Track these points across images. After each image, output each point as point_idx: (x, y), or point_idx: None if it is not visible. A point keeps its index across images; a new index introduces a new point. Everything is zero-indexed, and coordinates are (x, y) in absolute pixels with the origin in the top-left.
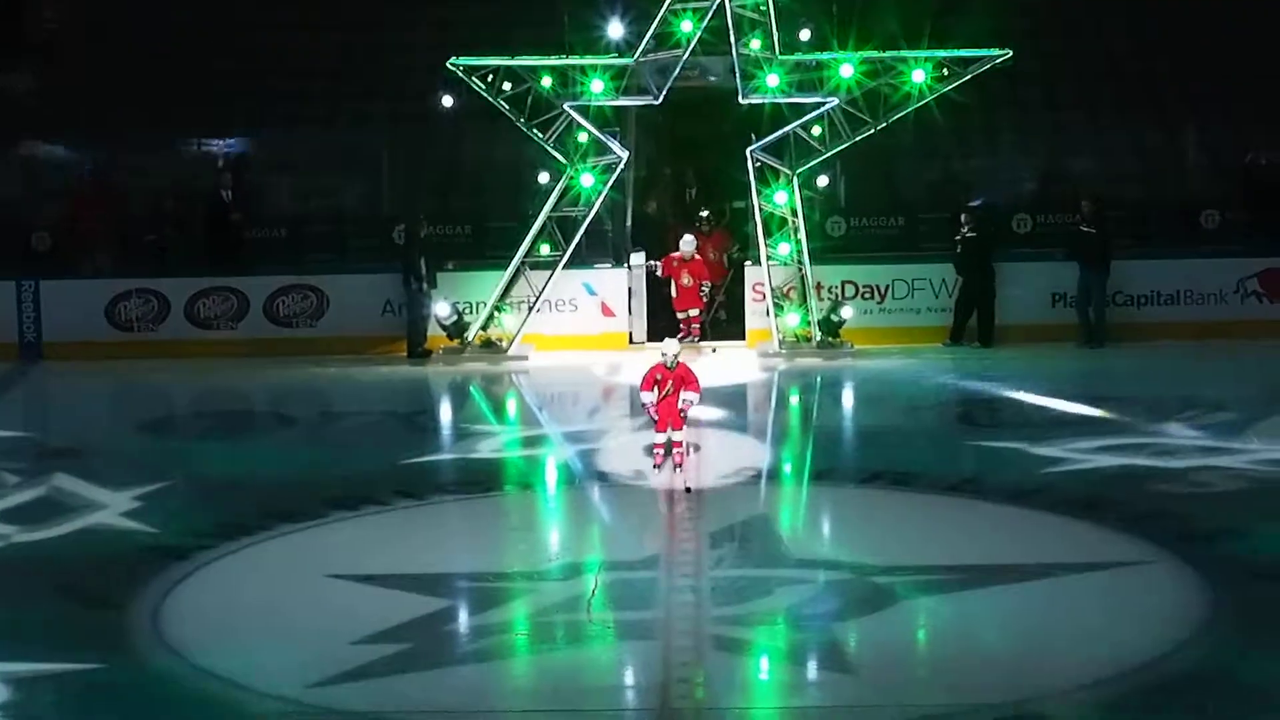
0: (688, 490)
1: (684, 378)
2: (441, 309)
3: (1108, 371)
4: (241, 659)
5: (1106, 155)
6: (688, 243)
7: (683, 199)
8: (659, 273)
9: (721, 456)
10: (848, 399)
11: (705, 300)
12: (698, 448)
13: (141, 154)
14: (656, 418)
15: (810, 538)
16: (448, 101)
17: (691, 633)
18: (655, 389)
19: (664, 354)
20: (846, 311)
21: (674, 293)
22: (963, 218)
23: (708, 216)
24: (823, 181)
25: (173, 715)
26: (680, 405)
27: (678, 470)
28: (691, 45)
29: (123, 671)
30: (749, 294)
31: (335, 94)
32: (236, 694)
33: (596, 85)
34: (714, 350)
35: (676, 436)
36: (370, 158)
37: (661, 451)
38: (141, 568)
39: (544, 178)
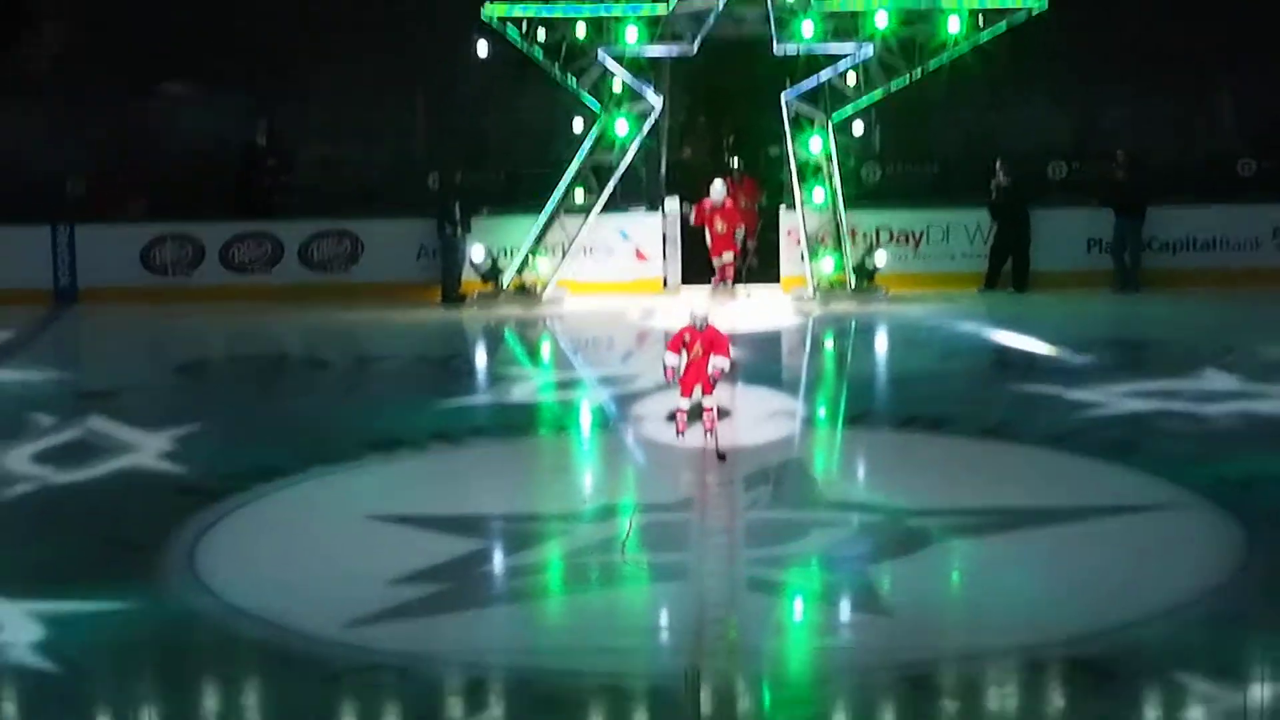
0: (721, 458)
1: (714, 340)
2: (477, 253)
3: (1142, 317)
4: (277, 599)
5: (1142, 104)
6: (717, 189)
7: (719, 147)
8: (692, 220)
9: (756, 401)
10: (882, 344)
11: (739, 246)
12: (727, 412)
13: (175, 102)
14: (674, 382)
15: (844, 481)
16: (483, 49)
17: (725, 574)
18: (683, 351)
19: (693, 314)
20: (880, 258)
21: (708, 240)
22: (997, 164)
23: (738, 165)
24: (858, 129)
25: (208, 655)
26: (710, 371)
27: (709, 435)
28: None
29: (158, 612)
30: (783, 239)
31: (368, 41)
32: (272, 634)
33: (631, 33)
34: (748, 295)
35: (706, 401)
36: (404, 103)
37: (685, 417)
38: (176, 509)
39: (579, 125)
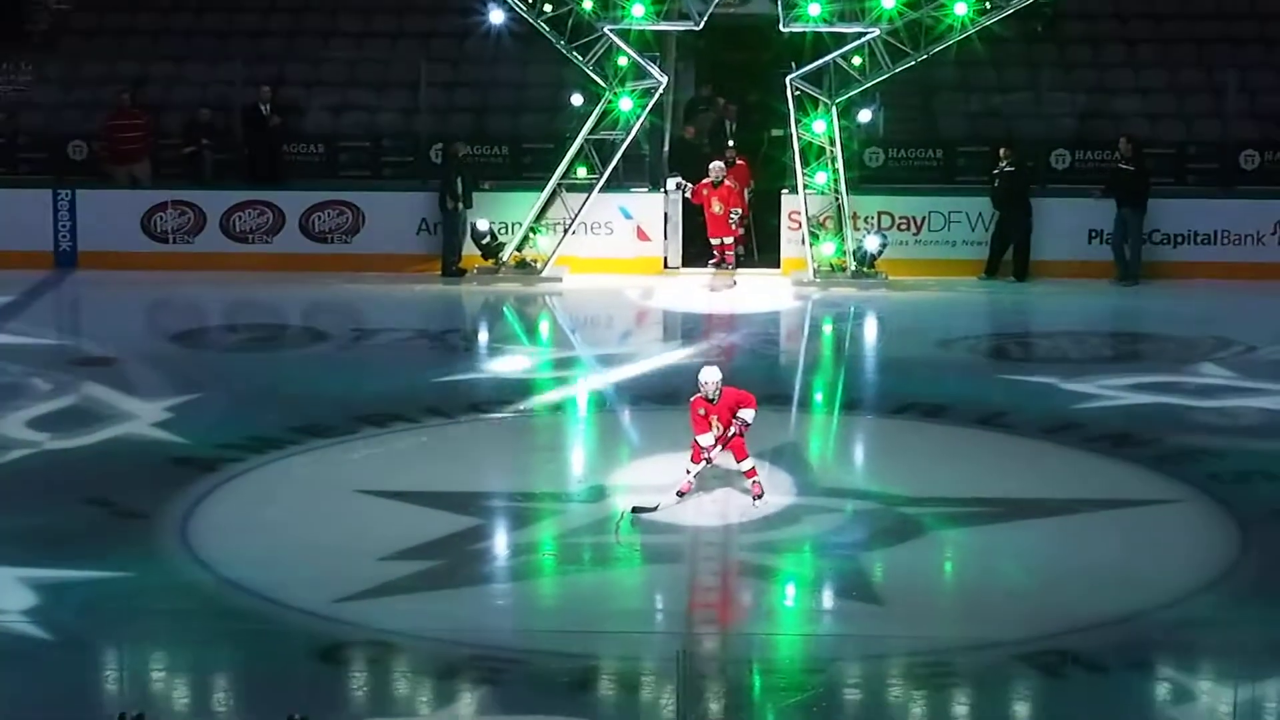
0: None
1: (736, 402)
2: (481, 224)
3: (1142, 310)
4: (268, 572)
5: (1146, 94)
6: (716, 169)
7: (722, 127)
8: (690, 197)
9: (752, 385)
10: (880, 330)
11: (736, 228)
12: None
13: (175, 66)
14: (710, 459)
15: (839, 467)
16: (497, 17)
17: (718, 558)
18: (712, 427)
19: (703, 385)
20: (870, 243)
21: (706, 220)
22: (1001, 152)
23: (734, 147)
24: (864, 117)
25: (199, 625)
26: (738, 429)
27: (757, 502)
28: None
29: (150, 581)
30: (785, 222)
31: (372, 11)
32: (263, 606)
33: (637, 9)
34: (734, 283)
35: (745, 466)
36: (407, 76)
37: (692, 480)
38: (171, 478)
39: (577, 99)
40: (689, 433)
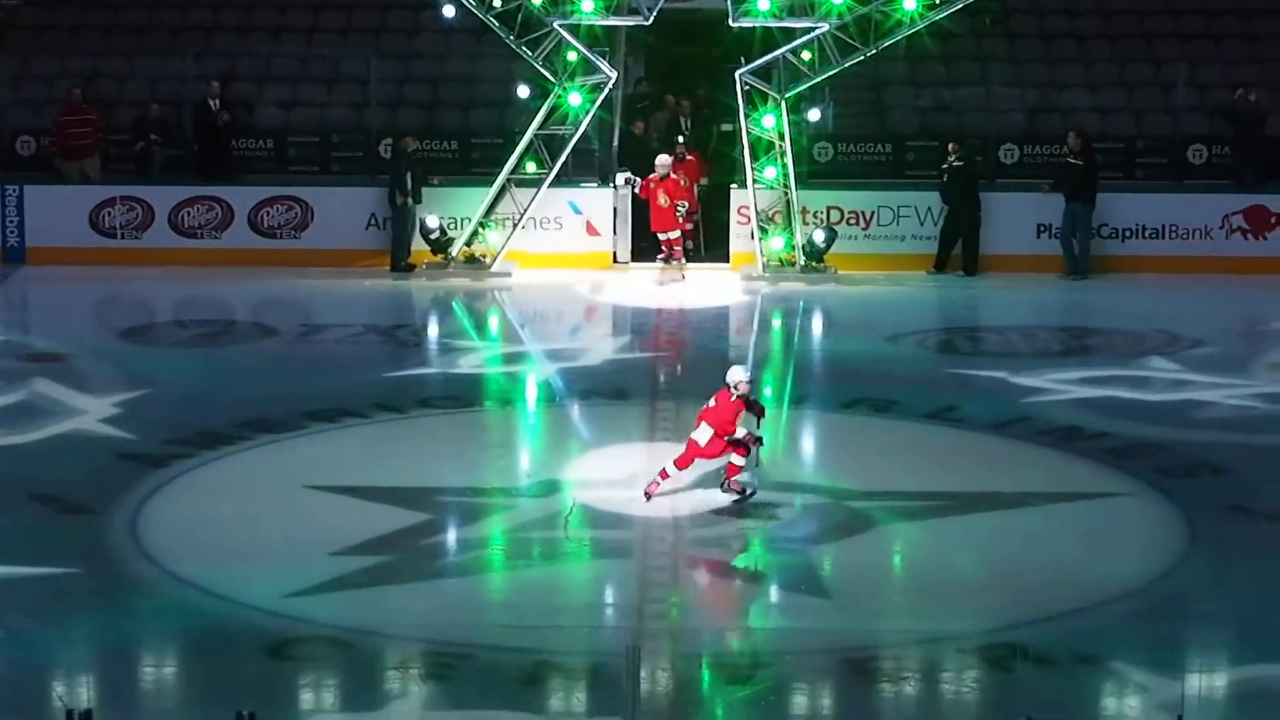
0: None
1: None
2: (431, 220)
3: (1090, 304)
4: (218, 568)
5: (1095, 89)
6: (662, 162)
7: (677, 125)
8: (638, 191)
9: (702, 379)
10: (830, 325)
11: (683, 222)
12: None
13: (126, 62)
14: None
15: (789, 462)
16: (449, 12)
17: (668, 553)
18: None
19: (737, 384)
20: (818, 236)
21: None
22: (950, 147)
23: (685, 143)
24: (814, 116)
25: (148, 622)
26: (745, 438)
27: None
28: None
29: (99, 578)
30: (734, 217)
31: (321, 7)
32: (212, 603)
33: (587, 4)
34: (683, 278)
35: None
36: (357, 71)
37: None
38: (119, 475)
39: (524, 91)
40: (637, 427)
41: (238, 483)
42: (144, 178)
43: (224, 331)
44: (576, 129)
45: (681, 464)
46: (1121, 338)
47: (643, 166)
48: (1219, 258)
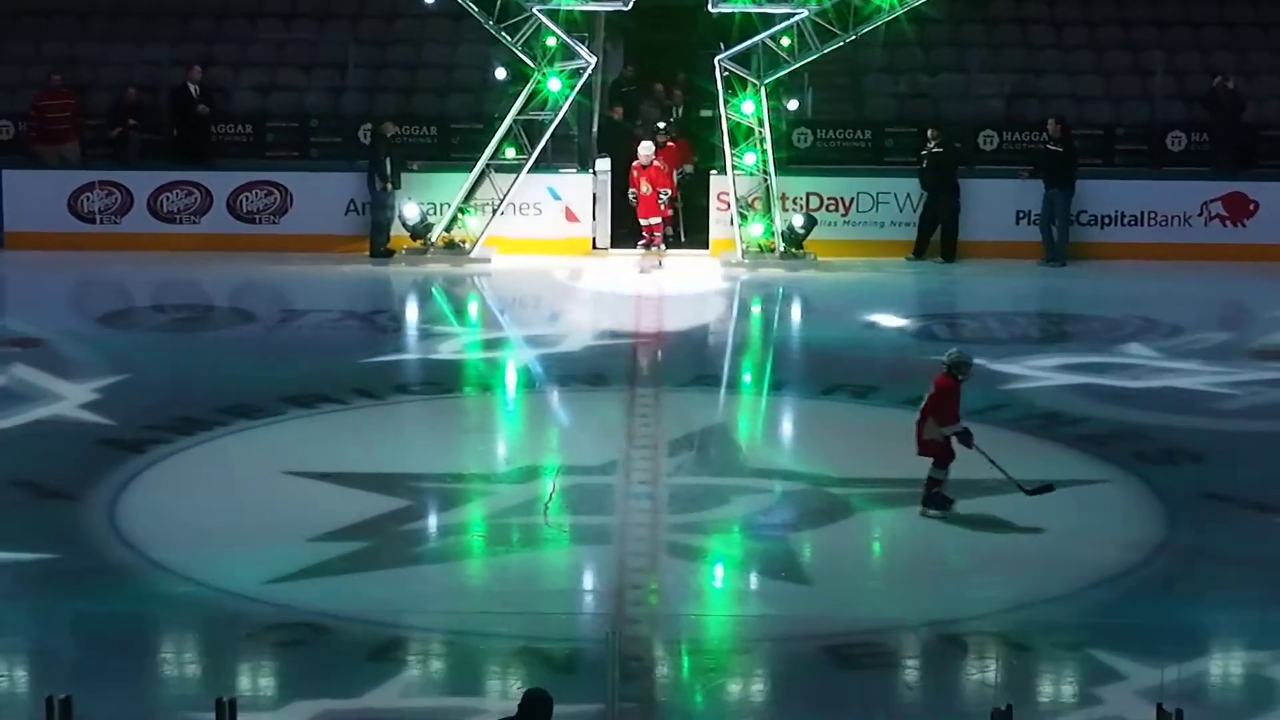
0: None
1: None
2: (410, 210)
3: (1069, 290)
4: (197, 553)
5: (1074, 75)
6: (645, 149)
7: (669, 113)
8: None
9: (681, 365)
10: (809, 311)
11: (665, 209)
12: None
13: (103, 46)
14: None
15: (768, 448)
16: None
17: (647, 539)
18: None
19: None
20: (797, 220)
21: (633, 200)
22: (929, 133)
23: (665, 128)
24: (793, 105)
25: (127, 608)
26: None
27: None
28: None
29: (78, 563)
30: (714, 203)
31: None
32: (191, 588)
33: None
34: (661, 264)
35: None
36: (335, 56)
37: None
38: (98, 460)
39: (500, 73)
40: (616, 412)
41: (216, 468)
42: (122, 162)
43: (203, 317)
44: (556, 114)
45: None
46: (1100, 324)
47: (622, 152)
48: (1198, 244)
